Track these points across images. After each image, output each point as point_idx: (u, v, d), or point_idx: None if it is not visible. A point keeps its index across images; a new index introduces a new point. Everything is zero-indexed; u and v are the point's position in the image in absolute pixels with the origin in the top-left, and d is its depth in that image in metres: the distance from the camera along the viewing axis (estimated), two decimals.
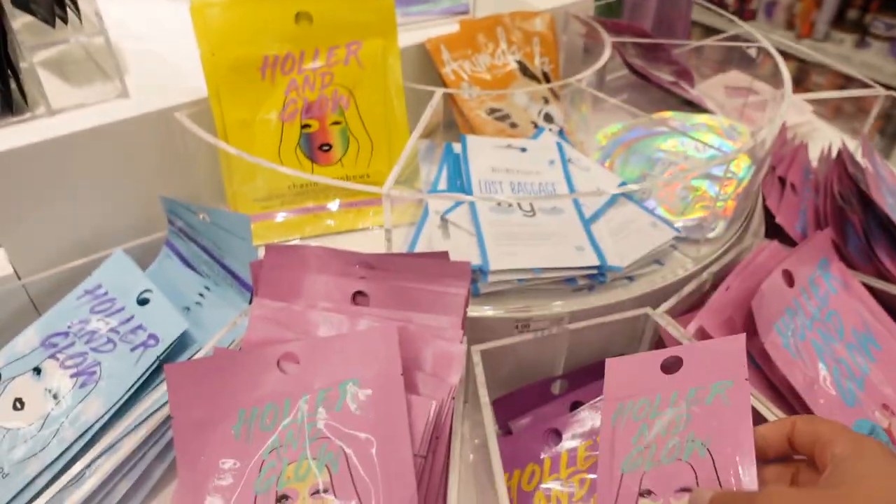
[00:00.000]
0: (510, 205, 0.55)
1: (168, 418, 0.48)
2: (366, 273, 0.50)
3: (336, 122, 0.59)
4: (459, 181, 0.59)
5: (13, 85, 0.53)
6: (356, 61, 0.59)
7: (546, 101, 0.74)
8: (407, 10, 0.74)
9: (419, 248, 0.55)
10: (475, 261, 0.52)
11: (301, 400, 0.46)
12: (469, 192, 0.57)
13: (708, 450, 0.42)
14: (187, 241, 0.57)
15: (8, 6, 0.50)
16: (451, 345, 0.47)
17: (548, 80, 0.76)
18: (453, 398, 0.46)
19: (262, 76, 0.57)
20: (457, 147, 0.62)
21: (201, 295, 0.56)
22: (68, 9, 0.54)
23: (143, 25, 0.72)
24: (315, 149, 0.59)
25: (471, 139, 0.61)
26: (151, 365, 0.49)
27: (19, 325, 0.54)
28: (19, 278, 0.56)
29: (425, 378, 0.46)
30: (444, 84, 0.70)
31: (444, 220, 0.55)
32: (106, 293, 0.53)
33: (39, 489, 0.44)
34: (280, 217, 0.60)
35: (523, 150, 0.62)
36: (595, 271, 0.52)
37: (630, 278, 0.54)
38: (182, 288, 0.56)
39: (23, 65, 0.54)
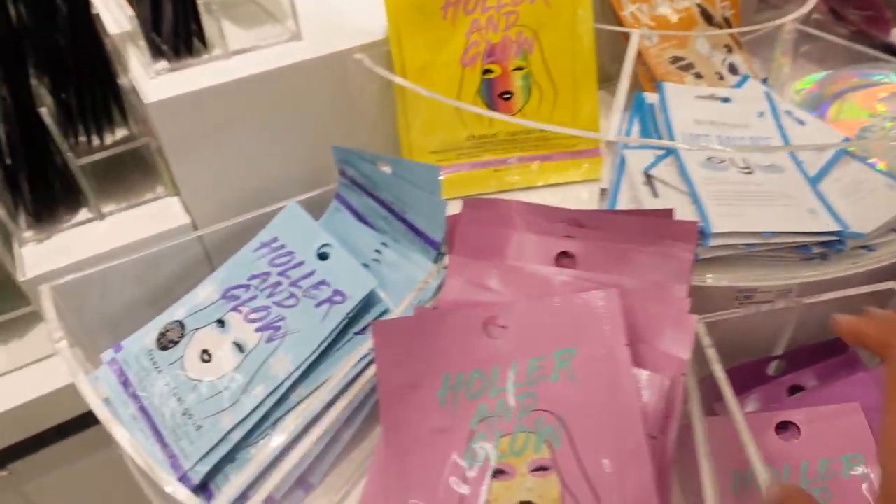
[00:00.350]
0: (721, 161, 0.49)
1: (356, 380, 0.45)
2: (573, 231, 0.45)
3: (518, 68, 0.54)
4: (657, 134, 0.53)
5: (194, 26, 0.50)
6: (543, 0, 0.53)
7: (729, 49, 0.66)
8: None
9: (620, 207, 0.49)
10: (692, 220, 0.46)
11: (510, 368, 0.41)
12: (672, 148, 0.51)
13: None
14: (361, 194, 0.54)
15: None
16: (680, 314, 0.41)
17: (729, 26, 0.69)
18: (684, 374, 0.40)
19: (444, 15, 0.52)
20: (650, 97, 0.56)
21: (378, 251, 0.52)
22: None
23: None
24: (495, 96, 0.54)
25: (670, 88, 0.54)
26: (340, 322, 0.46)
27: (193, 277, 0.52)
28: (195, 228, 0.53)
29: (652, 351, 0.41)
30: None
31: (648, 176, 0.49)
32: (283, 246, 0.51)
33: (234, 443, 0.42)
34: (458, 170, 0.55)
35: (726, 100, 0.55)
36: (834, 238, 0.45)
37: (868, 247, 0.47)
38: (357, 243, 0.53)
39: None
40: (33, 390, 0.54)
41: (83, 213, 0.53)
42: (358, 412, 0.46)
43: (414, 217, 0.50)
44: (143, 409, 0.46)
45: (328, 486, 0.44)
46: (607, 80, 0.63)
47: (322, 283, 0.48)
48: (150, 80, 0.48)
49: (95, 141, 0.52)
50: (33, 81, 0.45)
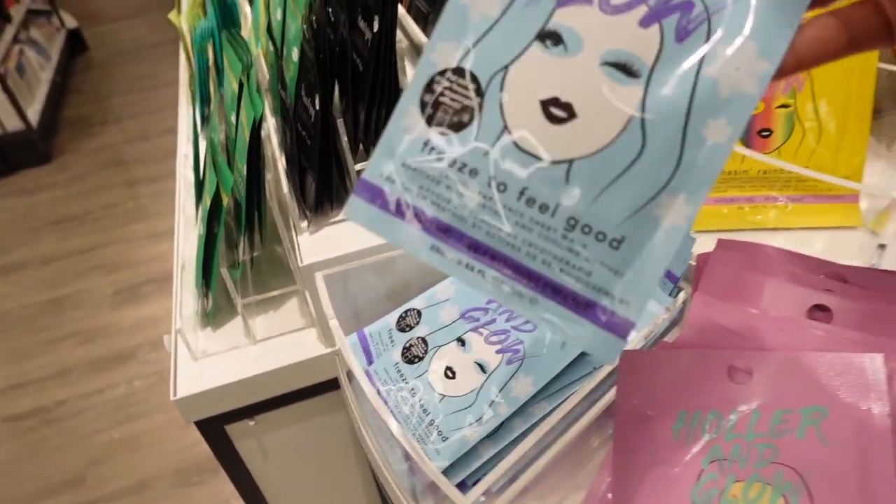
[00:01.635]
0: None
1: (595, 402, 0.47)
2: (833, 286, 0.44)
3: (784, 105, 0.53)
4: None
5: None
6: None
7: None
8: None
9: (885, 265, 0.47)
10: None
11: (752, 416, 0.41)
12: None
13: None
14: None
15: None
16: None
17: None
18: None
19: None
20: None
21: None
22: None
23: None
24: (753, 133, 0.54)
25: None
26: (577, 352, 0.48)
27: (429, 276, 0.57)
28: None
29: None
30: None
31: None
32: None
33: (484, 459, 0.45)
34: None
35: None
36: None
37: None
38: None
39: None
40: (287, 357, 0.62)
41: None
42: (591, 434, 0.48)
43: None
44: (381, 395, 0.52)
45: (539, 491, 0.47)
46: (877, 112, 0.59)
47: None
48: None
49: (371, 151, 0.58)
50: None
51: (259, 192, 0.60)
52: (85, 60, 3.09)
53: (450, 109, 0.26)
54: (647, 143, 0.25)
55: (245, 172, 0.57)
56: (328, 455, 0.74)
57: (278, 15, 0.64)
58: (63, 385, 1.67)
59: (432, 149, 0.26)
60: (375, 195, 0.27)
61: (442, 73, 0.26)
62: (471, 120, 0.26)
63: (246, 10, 0.86)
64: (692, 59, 0.24)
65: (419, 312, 0.56)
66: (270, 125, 0.65)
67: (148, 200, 2.24)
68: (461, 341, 0.49)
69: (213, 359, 0.63)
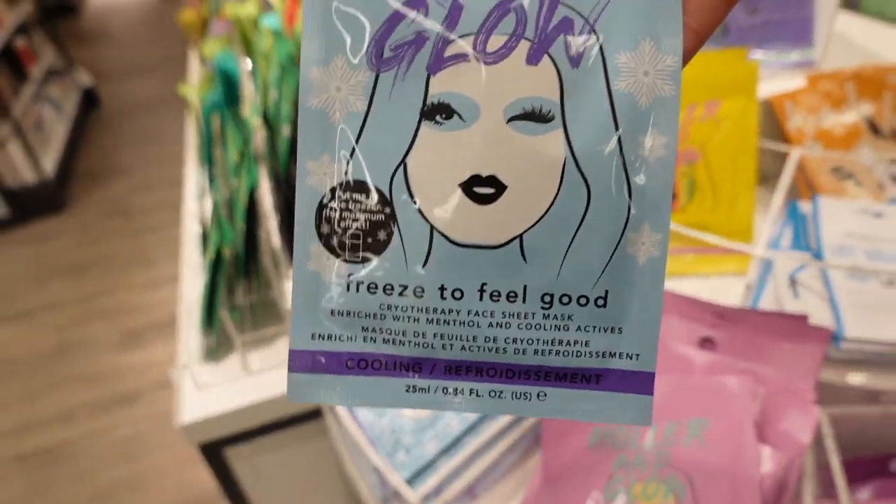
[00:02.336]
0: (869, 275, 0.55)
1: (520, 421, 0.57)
2: (717, 322, 0.54)
3: (684, 174, 0.64)
4: (807, 243, 0.60)
5: None
6: (713, 119, 0.63)
7: (894, 160, 0.71)
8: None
9: (763, 304, 0.57)
10: (826, 324, 0.53)
11: (650, 430, 0.51)
12: (820, 256, 0.58)
13: None
14: None
15: None
16: (804, 404, 0.49)
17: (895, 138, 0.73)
18: (803, 456, 0.48)
19: None
20: (804, 207, 0.63)
21: None
22: None
23: None
24: None
25: (824, 201, 0.61)
26: None
27: None
28: None
29: (776, 433, 0.49)
30: (785, 139, 0.71)
31: (792, 280, 0.57)
32: None
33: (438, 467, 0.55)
34: None
35: (878, 215, 0.61)
36: None
37: None
38: None
39: None
40: (278, 388, 0.72)
41: None
42: (521, 443, 0.58)
43: None
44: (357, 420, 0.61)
45: (490, 498, 0.56)
46: (766, 179, 0.71)
47: None
48: None
49: None
50: None
51: (255, 246, 0.70)
52: (98, 115, 3.26)
53: (359, 232, 0.23)
54: (591, 185, 0.22)
55: (243, 229, 0.68)
56: (313, 478, 0.83)
57: (274, 95, 0.76)
58: (69, 426, 1.75)
59: (359, 283, 0.23)
60: (313, 362, 0.24)
61: (330, 194, 0.23)
62: (389, 235, 0.23)
63: (247, 86, 0.99)
64: (598, 80, 0.22)
65: None
66: (265, 188, 0.76)
67: (151, 249, 2.35)
68: None
69: (213, 389, 0.73)
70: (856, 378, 0.52)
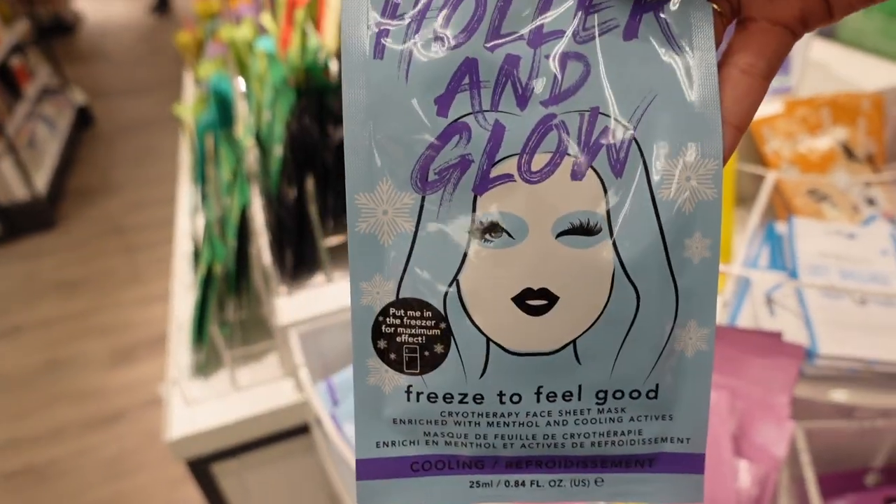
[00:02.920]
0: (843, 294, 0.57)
1: None
2: None
3: None
4: (783, 263, 0.62)
5: None
6: None
7: (869, 183, 0.73)
8: None
9: (740, 321, 0.59)
10: (801, 341, 0.54)
11: None
12: (795, 275, 0.60)
13: None
14: None
15: None
16: (779, 419, 0.50)
17: (871, 162, 0.75)
18: (779, 470, 0.49)
19: None
20: (781, 228, 0.65)
21: None
22: None
23: None
24: None
25: (799, 223, 0.63)
26: None
27: None
28: None
29: (751, 447, 0.50)
30: (763, 163, 0.73)
31: (769, 299, 0.59)
32: None
33: None
34: None
35: (851, 236, 0.63)
36: None
37: None
38: None
39: None
40: (266, 403, 0.73)
41: (319, 278, 0.73)
42: None
43: None
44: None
45: None
46: (744, 200, 0.73)
47: None
48: None
49: (339, 229, 0.71)
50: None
51: (246, 263, 0.72)
52: (91, 133, 3.28)
53: (416, 346, 0.24)
54: (640, 291, 0.23)
55: (235, 246, 0.69)
56: (301, 493, 0.84)
57: (267, 116, 0.78)
58: (56, 444, 1.74)
59: (419, 394, 0.24)
60: (380, 469, 0.25)
61: (384, 312, 0.24)
62: (446, 349, 0.23)
63: (241, 107, 1.01)
64: (642, 189, 0.23)
65: None
66: (256, 204, 0.77)
67: (143, 266, 2.36)
68: None
69: (202, 405, 0.73)
70: (830, 394, 0.54)
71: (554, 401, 0.24)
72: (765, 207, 0.60)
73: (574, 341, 0.23)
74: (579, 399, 0.24)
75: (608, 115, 0.23)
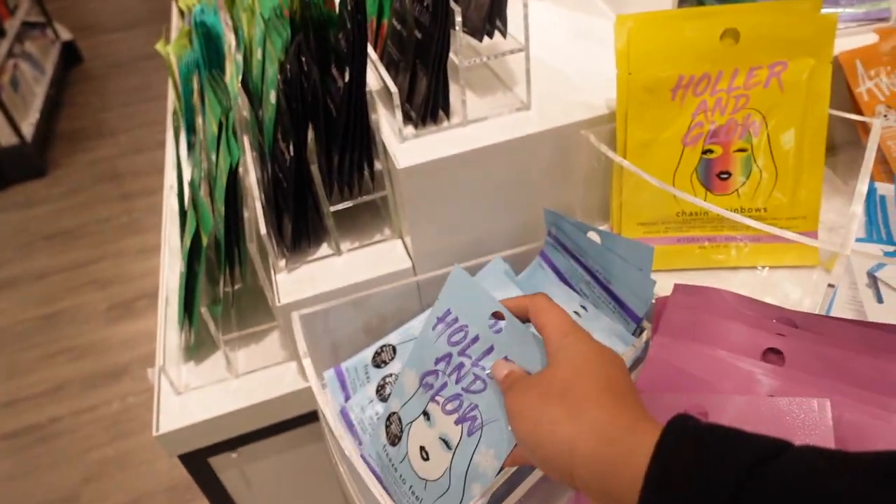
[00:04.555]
0: None
1: None
2: (786, 330, 0.46)
3: (741, 150, 0.54)
4: (886, 231, 0.51)
5: (442, 99, 0.56)
6: (777, 84, 0.53)
7: None
8: None
9: (836, 309, 0.48)
10: None
11: None
12: None
13: None
14: (566, 256, 0.57)
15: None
16: (892, 429, 0.41)
17: None
18: None
19: (673, 97, 0.54)
20: (883, 188, 0.53)
21: (576, 313, 0.56)
22: (498, 22, 0.55)
23: (550, 35, 0.72)
24: (713, 175, 0.55)
25: None
26: None
27: (406, 311, 0.59)
28: (415, 272, 0.60)
29: None
30: (855, 106, 0.61)
31: (873, 277, 0.48)
32: (456, 319, 0.46)
33: None
34: (663, 243, 0.57)
35: None
36: None
37: None
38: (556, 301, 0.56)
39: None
40: (268, 391, 0.64)
41: (325, 249, 0.62)
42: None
43: (618, 288, 0.53)
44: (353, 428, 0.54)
45: None
46: (832, 149, 0.61)
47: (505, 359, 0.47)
48: (399, 145, 0.55)
49: (345, 192, 0.60)
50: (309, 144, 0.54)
51: (238, 231, 0.61)
52: (80, 72, 3.11)
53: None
54: (451, 484, 0.44)
55: (224, 212, 0.58)
56: (310, 484, 0.76)
57: (259, 54, 0.66)
58: (57, 402, 1.68)
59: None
60: None
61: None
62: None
63: (230, 38, 0.88)
64: (470, 448, 0.43)
65: (394, 348, 0.58)
66: (249, 158, 0.66)
67: (142, 214, 2.25)
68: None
69: (195, 392, 0.64)
70: None
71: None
72: (872, 165, 0.49)
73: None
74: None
75: None
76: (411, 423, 0.47)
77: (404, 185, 0.54)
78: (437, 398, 0.46)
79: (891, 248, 0.49)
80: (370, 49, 0.58)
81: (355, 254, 0.62)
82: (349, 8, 0.50)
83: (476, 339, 0.45)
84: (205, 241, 0.59)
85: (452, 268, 0.46)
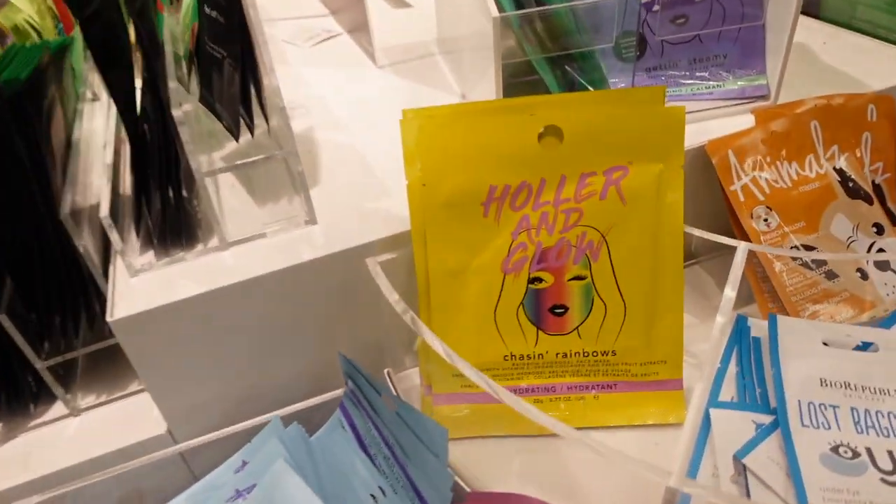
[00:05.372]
0: (855, 455, 0.34)
1: None
2: None
3: (578, 277, 0.42)
4: (759, 385, 0.39)
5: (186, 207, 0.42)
6: (617, 194, 0.41)
7: (880, 230, 0.50)
8: (677, 93, 0.54)
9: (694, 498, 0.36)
10: None
11: None
12: (780, 415, 0.36)
13: None
14: (364, 416, 0.44)
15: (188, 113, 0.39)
16: None
17: (880, 197, 0.52)
18: None
19: (485, 212, 0.41)
20: (756, 326, 0.41)
21: (373, 497, 0.42)
22: (255, 117, 0.42)
23: (331, 133, 0.59)
24: (544, 310, 0.43)
25: (783, 323, 0.40)
26: None
27: (173, 487, 0.45)
28: (174, 441, 0.46)
29: None
30: (728, 205, 0.50)
31: (739, 462, 0.35)
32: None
33: None
34: (486, 400, 0.44)
35: (867, 346, 0.40)
36: None
37: None
38: (352, 480, 0.42)
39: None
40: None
41: (58, 407, 0.47)
42: None
43: (415, 473, 0.39)
44: None
45: None
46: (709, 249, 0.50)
47: None
48: (128, 279, 0.41)
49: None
50: None
51: None
52: None
53: None
54: None
55: None
56: None
57: None
58: None
59: None
60: None
61: None
62: None
63: None
64: None
65: None
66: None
67: None
68: None
69: None
70: None
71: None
72: (731, 307, 0.37)
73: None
74: None
75: None
76: None
77: (123, 340, 0.40)
78: None
79: (766, 419, 0.37)
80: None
81: (96, 413, 0.47)
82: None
83: None
84: None
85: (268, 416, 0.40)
